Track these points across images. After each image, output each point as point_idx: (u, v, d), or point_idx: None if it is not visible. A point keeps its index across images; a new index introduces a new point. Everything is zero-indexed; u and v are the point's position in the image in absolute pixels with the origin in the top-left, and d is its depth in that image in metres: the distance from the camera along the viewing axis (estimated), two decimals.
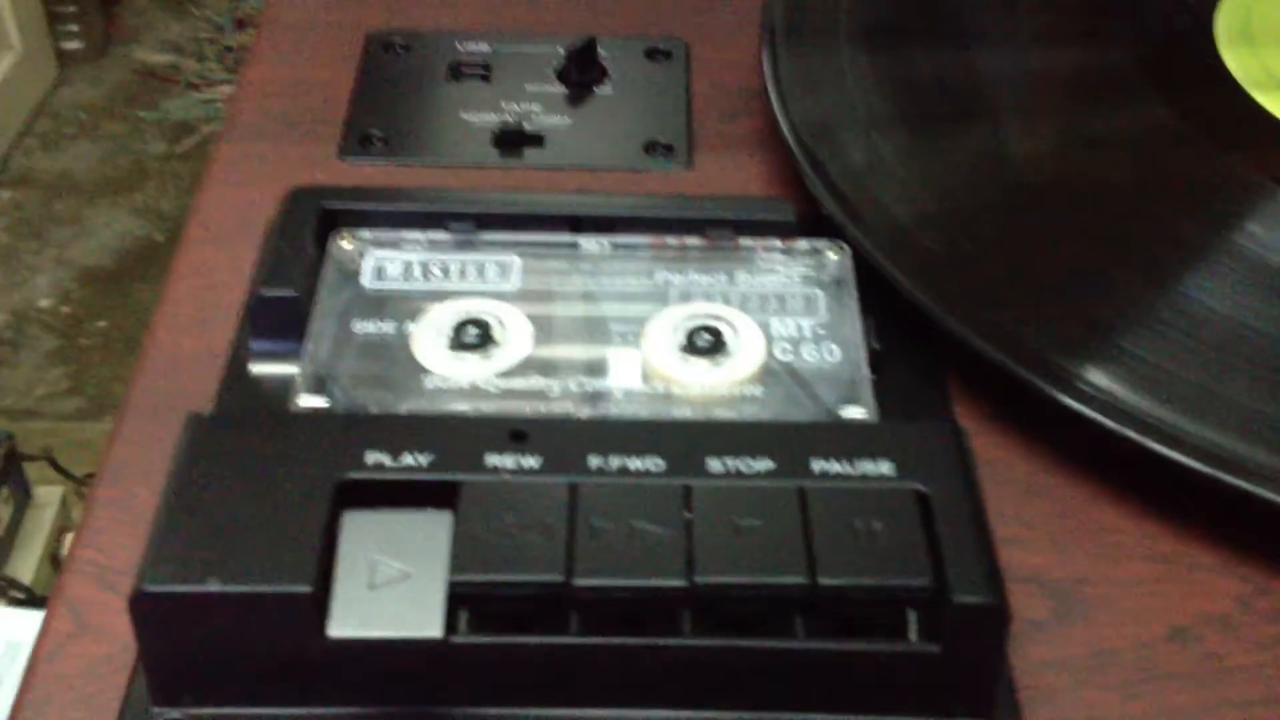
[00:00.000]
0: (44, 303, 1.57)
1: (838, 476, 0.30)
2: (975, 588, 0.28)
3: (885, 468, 0.30)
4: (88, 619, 0.31)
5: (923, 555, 0.28)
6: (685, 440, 0.31)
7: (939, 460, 0.30)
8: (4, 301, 1.56)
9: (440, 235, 0.39)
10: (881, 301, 0.37)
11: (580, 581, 0.28)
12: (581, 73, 0.45)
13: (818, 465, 0.30)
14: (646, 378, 0.35)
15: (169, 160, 1.76)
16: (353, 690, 0.29)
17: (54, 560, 1.17)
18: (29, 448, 1.21)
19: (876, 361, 0.36)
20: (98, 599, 0.32)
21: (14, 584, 1.10)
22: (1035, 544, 0.33)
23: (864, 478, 0.30)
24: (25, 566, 1.15)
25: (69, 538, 1.19)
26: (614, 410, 0.34)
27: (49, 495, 1.20)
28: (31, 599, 1.10)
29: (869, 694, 0.29)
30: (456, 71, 0.46)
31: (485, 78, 0.46)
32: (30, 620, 0.94)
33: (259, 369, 0.36)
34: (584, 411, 0.34)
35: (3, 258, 1.61)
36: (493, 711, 0.29)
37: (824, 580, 0.28)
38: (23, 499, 1.18)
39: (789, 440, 0.31)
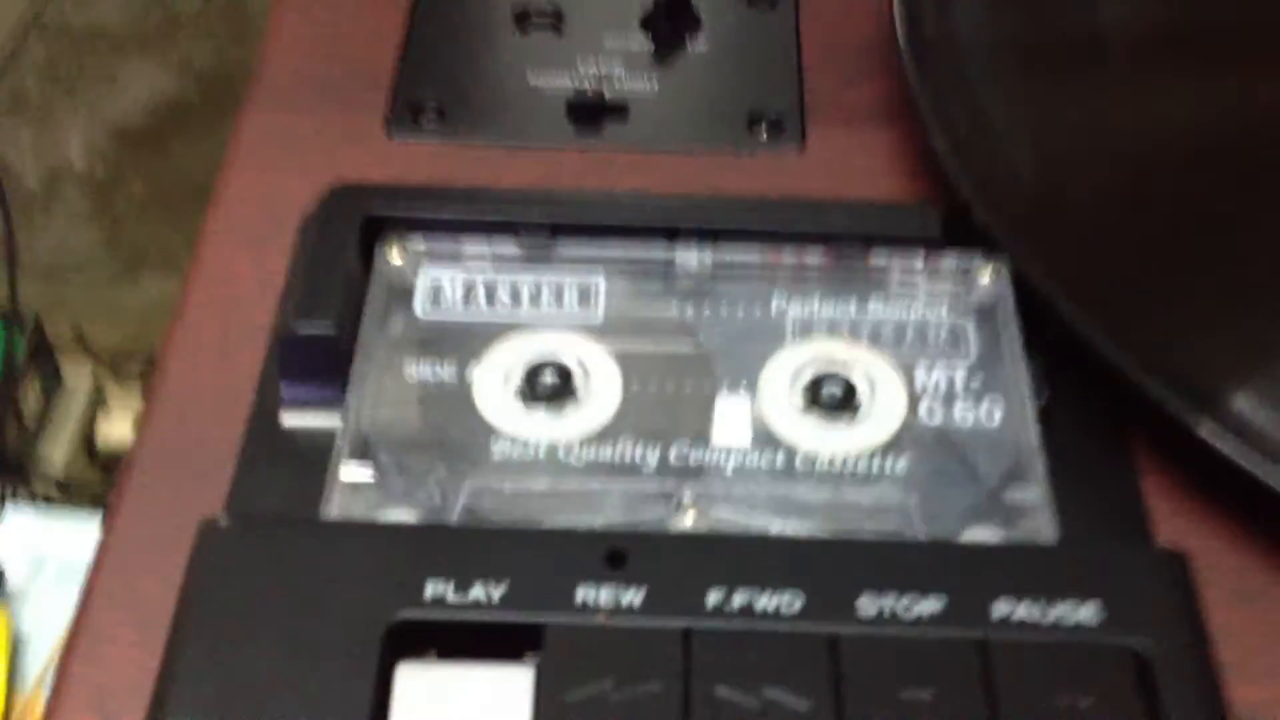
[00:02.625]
0: (77, 163, 1.51)
1: (1027, 626, 0.24)
2: None
3: (1089, 613, 0.24)
4: None
5: None
6: (827, 566, 0.24)
7: (1159, 603, 0.24)
8: (37, 161, 1.50)
9: (508, 246, 0.32)
10: (1040, 328, 0.30)
11: None
12: (672, 23, 0.38)
13: (1000, 608, 0.24)
14: (759, 440, 0.29)
15: (202, 15, 1.68)
16: None
17: (88, 445, 1.13)
18: (61, 315, 1.17)
19: (1044, 416, 0.29)
20: None
21: (46, 475, 1.06)
22: (1248, 670, 0.27)
23: (1061, 628, 0.23)
24: (57, 454, 1.11)
25: (103, 423, 1.15)
26: (718, 490, 0.28)
27: (80, 379, 1.16)
28: (63, 490, 1.06)
29: None
30: (523, 21, 0.38)
31: (556, 28, 0.38)
32: (56, 528, 0.90)
33: (292, 420, 0.30)
34: (684, 493, 0.28)
35: (36, 115, 1.54)
36: None
37: None
38: (52, 384, 1.13)
39: (959, 567, 0.24)
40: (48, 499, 1.05)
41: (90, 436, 1.14)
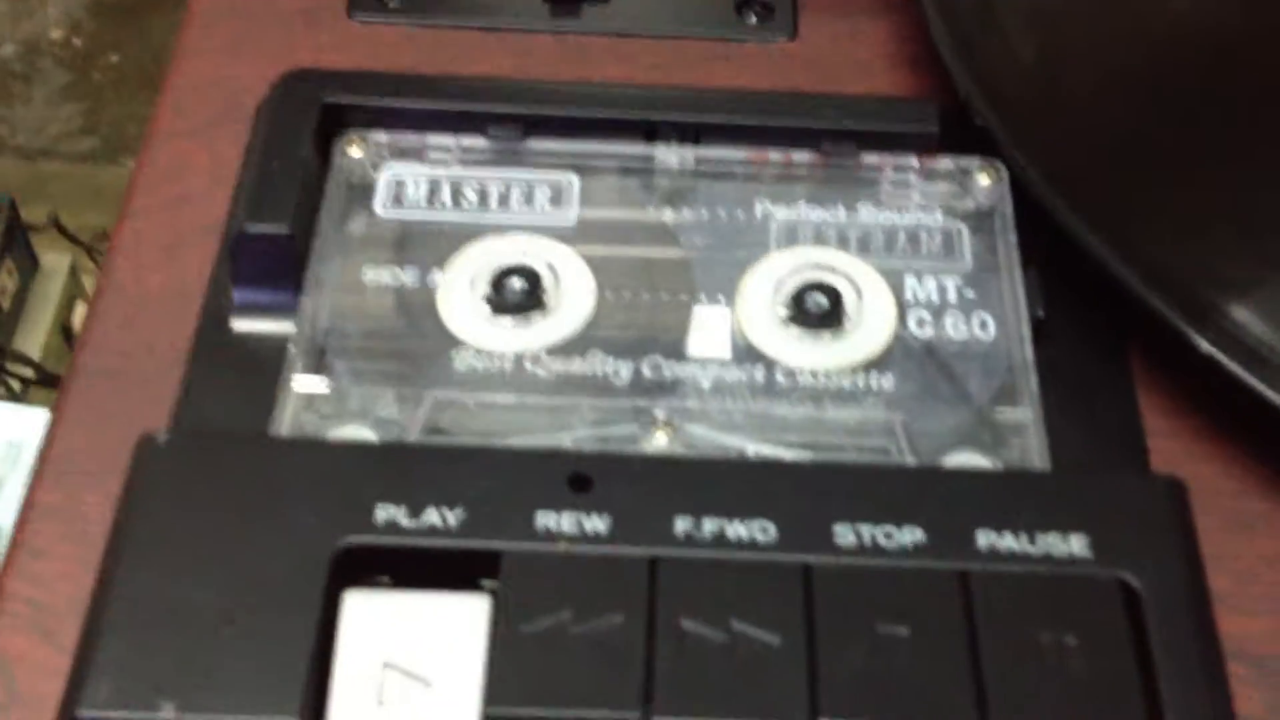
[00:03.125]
0: (55, 34, 1.47)
1: (1012, 557, 0.22)
2: None
3: (1077, 545, 0.22)
4: (21, 684, 0.24)
5: (1134, 691, 0.21)
6: (803, 493, 0.23)
7: (1151, 534, 0.22)
8: (14, 32, 1.46)
9: (476, 140, 0.30)
10: (1038, 237, 0.29)
11: None
12: None
13: (984, 538, 0.22)
14: (739, 354, 0.27)
15: None
16: None
17: (65, 331, 1.12)
18: (41, 194, 1.14)
19: (1038, 330, 0.28)
20: (33, 655, 0.25)
21: (23, 359, 1.05)
22: (1240, 601, 0.26)
23: (1049, 559, 0.22)
24: (34, 340, 1.09)
25: (80, 307, 1.13)
26: (693, 407, 0.26)
27: (57, 263, 1.14)
28: (42, 376, 1.05)
29: None
30: None
31: None
32: (32, 417, 0.89)
33: (243, 325, 0.28)
34: (657, 411, 0.26)
35: None
36: None
37: None
38: (29, 268, 1.11)
39: (943, 495, 0.23)
40: (24, 382, 1.04)
41: (68, 324, 1.12)
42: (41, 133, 1.37)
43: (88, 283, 1.15)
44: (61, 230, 1.17)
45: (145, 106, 1.33)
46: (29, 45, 1.44)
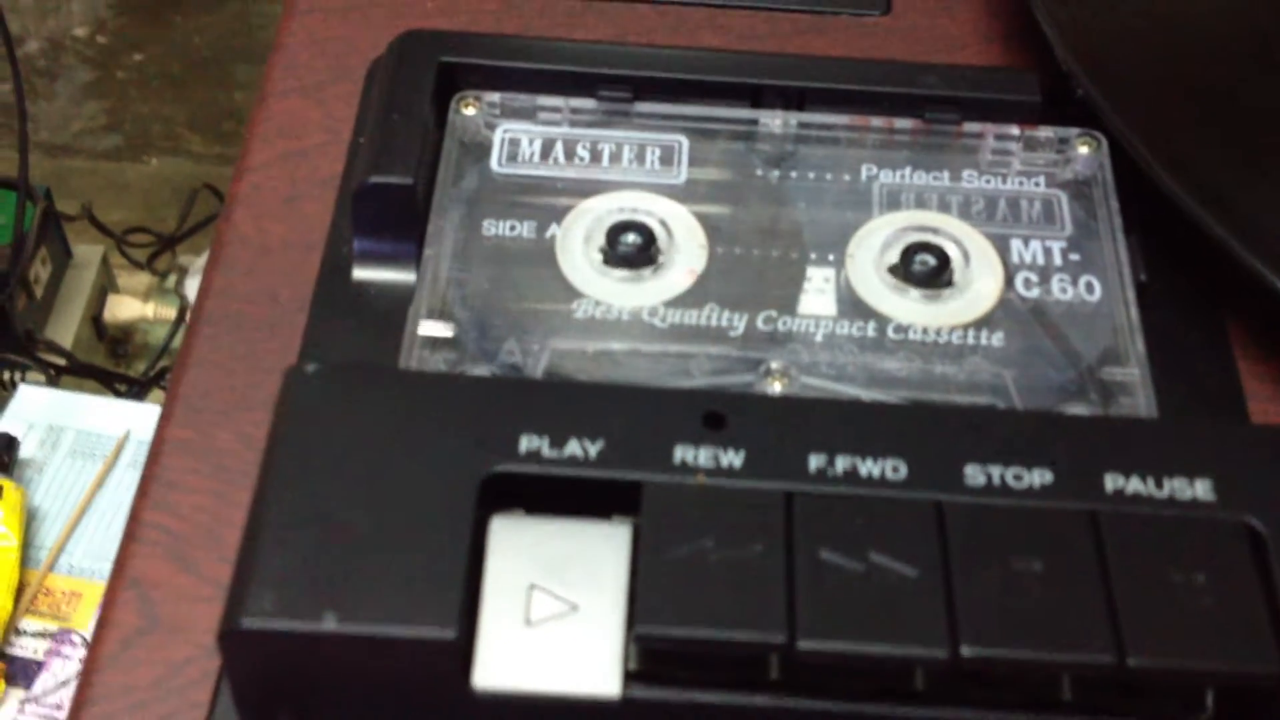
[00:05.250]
0: (79, 31, 1.48)
1: (1140, 500, 0.23)
2: None
3: (1202, 489, 0.23)
4: (159, 609, 0.25)
5: (1266, 626, 0.21)
6: (931, 434, 0.23)
7: (1272, 480, 0.23)
8: (39, 27, 1.47)
9: (585, 102, 0.31)
10: (1136, 204, 0.30)
11: (807, 645, 0.21)
12: None
13: (1112, 481, 0.23)
14: (849, 311, 0.28)
15: None
16: None
17: (95, 322, 1.12)
18: (67, 190, 1.15)
19: (1139, 294, 0.28)
20: (171, 581, 0.25)
21: (54, 348, 1.05)
22: None
23: (1174, 502, 0.23)
24: (66, 329, 1.10)
25: (111, 299, 1.14)
26: (806, 359, 0.27)
27: (89, 254, 1.14)
28: (72, 365, 1.06)
29: None
30: None
31: None
32: (72, 401, 0.89)
33: (363, 274, 0.29)
34: (772, 361, 0.27)
35: None
36: None
37: (1136, 661, 0.21)
38: (62, 259, 1.12)
39: (1067, 441, 0.24)
40: (56, 370, 1.04)
41: (98, 316, 1.13)
42: (65, 129, 1.38)
43: (119, 275, 1.16)
44: (94, 222, 1.17)
45: (168, 105, 1.34)
46: (53, 42, 1.45)
